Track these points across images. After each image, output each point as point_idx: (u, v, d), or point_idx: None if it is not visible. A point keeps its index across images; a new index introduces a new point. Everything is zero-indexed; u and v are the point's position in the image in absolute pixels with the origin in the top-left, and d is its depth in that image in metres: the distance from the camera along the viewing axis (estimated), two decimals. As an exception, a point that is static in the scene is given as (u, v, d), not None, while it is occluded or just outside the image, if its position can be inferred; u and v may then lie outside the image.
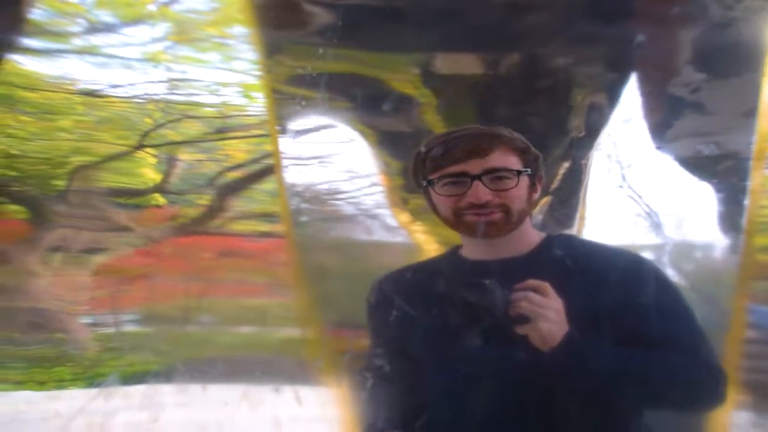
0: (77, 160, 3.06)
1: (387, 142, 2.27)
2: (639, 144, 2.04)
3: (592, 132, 2.11)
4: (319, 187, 2.37)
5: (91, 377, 2.93)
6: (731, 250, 2.10)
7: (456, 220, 1.14)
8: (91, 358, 2.98)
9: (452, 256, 1.23)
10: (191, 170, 3.51)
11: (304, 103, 2.22)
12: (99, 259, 3.11)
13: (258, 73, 2.36)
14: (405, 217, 2.30)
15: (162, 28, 2.92)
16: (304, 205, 2.40)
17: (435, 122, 2.15)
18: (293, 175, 2.32)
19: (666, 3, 1.92)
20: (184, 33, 2.96)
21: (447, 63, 2.16)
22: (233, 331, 3.22)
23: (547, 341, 1.00)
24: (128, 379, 2.80)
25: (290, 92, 2.23)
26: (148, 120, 3.23)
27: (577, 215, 2.22)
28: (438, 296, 1.11)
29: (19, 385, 2.83)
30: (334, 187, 2.39)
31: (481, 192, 1.10)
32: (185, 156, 3.36)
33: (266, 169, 3.25)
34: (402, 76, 2.12)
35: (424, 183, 1.17)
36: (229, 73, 3.08)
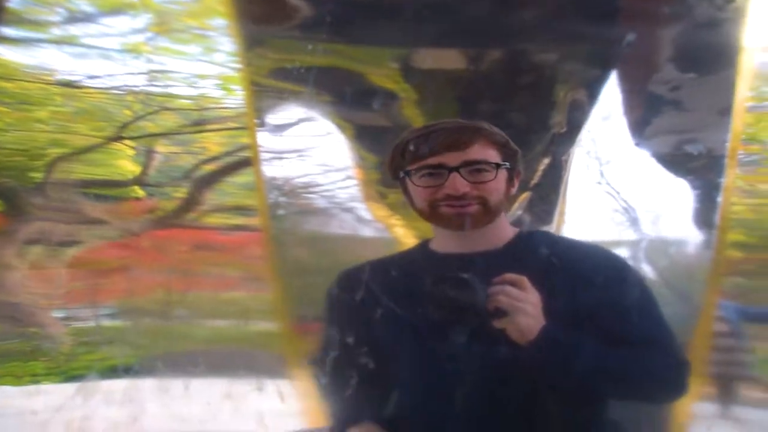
0: (54, 151, 3.02)
1: (366, 136, 2.26)
2: (618, 141, 2.07)
3: (573, 128, 2.12)
4: (297, 180, 2.37)
5: (65, 372, 2.91)
6: (705, 246, 2.15)
7: (431, 212, 1.14)
8: (66, 353, 2.94)
9: (422, 249, 1.23)
10: (169, 162, 3.48)
11: (283, 96, 2.21)
12: (75, 251, 3.07)
13: (237, 65, 2.34)
14: (382, 210, 2.31)
15: (143, 19, 2.89)
16: (282, 199, 2.39)
17: (415, 117, 2.15)
18: (271, 168, 2.32)
19: (648, 2, 1.95)
20: (165, 24, 2.94)
21: (428, 58, 2.15)
22: (211, 325, 3.20)
23: (524, 335, 1.01)
24: (105, 374, 2.79)
25: (270, 85, 2.22)
26: (126, 112, 3.19)
27: (557, 211, 2.25)
28: (409, 290, 1.12)
29: (-1, 379, 2.80)
30: (311, 180, 2.39)
31: (458, 183, 1.10)
32: (162, 148, 3.34)
33: (242, 161, 3.23)
34: (383, 71, 2.12)
35: (401, 174, 1.18)
36: (209, 66, 3.07)
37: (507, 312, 1.01)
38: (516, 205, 2.31)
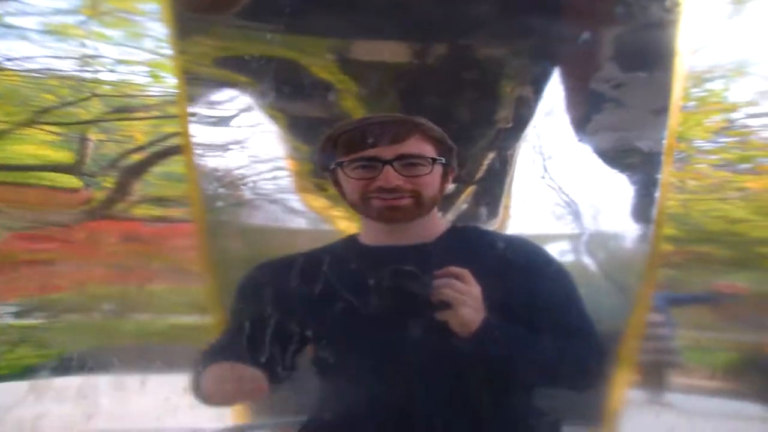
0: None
1: (302, 127, 2.23)
2: (561, 136, 2.11)
3: (519, 124, 2.16)
4: (233, 172, 2.32)
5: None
6: (642, 240, 2.23)
7: (363, 204, 1.15)
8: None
9: (351, 242, 1.24)
10: (97, 151, 3.34)
11: (217, 85, 2.15)
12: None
13: (170, 53, 2.26)
14: (319, 202, 2.29)
15: (71, 0, 2.75)
16: (221, 190, 2.34)
17: (353, 109, 2.14)
18: (206, 159, 2.26)
19: (593, 1, 1.99)
20: (95, 7, 2.80)
21: (368, 49, 2.14)
22: (135, 319, 3.10)
23: (466, 327, 1.03)
24: (20, 373, 2.66)
25: (203, 74, 2.15)
26: (48, 96, 3.03)
27: (502, 204, 2.28)
28: (341, 281, 1.12)
29: None
30: (247, 172, 2.34)
31: (391, 176, 1.11)
32: (93, 136, 3.19)
33: (168, 151, 3.13)
34: (320, 62, 2.09)
35: (333, 165, 1.18)
36: (139, 52, 2.94)
37: (451, 304, 1.03)
38: (461, 198, 2.34)
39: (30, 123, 3.03)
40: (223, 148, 2.30)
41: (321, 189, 2.26)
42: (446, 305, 1.03)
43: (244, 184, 2.35)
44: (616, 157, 2.16)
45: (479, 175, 2.28)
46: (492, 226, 2.34)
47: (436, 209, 1.21)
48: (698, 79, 2.15)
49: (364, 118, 1.18)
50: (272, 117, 2.21)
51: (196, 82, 2.16)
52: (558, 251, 2.31)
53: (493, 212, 2.31)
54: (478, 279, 1.06)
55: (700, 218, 2.96)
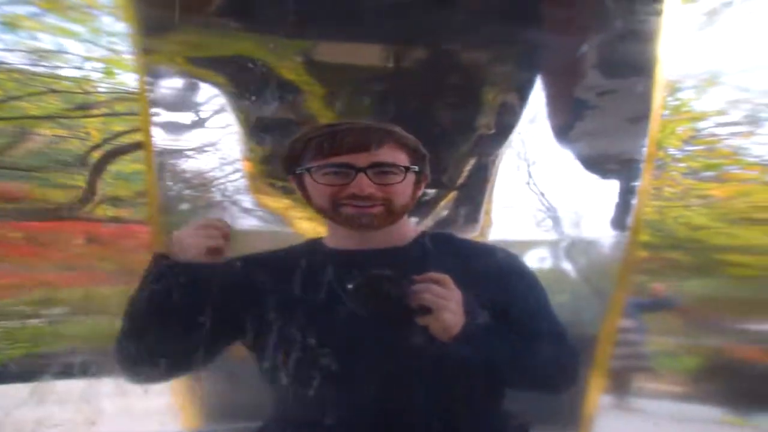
0: None
1: (267, 129, 2.17)
2: (545, 143, 2.12)
3: (503, 130, 2.16)
4: (198, 173, 2.27)
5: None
6: (620, 247, 2.26)
7: (333, 210, 1.13)
8: None
9: (317, 245, 1.22)
10: (51, 146, 3.19)
11: (183, 85, 2.11)
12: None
13: (132, 50, 2.18)
14: (281, 204, 2.24)
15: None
16: (188, 192, 2.27)
17: (320, 111, 2.11)
18: (171, 159, 2.19)
19: (574, 11, 2.01)
20: (54, 1, 2.66)
21: (339, 52, 2.10)
22: (84, 322, 2.98)
23: (447, 331, 1.03)
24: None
25: (169, 73, 2.11)
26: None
27: (483, 210, 2.28)
28: (309, 284, 1.11)
29: None
30: (211, 174, 2.29)
31: (365, 184, 1.10)
32: (48, 131, 3.04)
33: (123, 149, 3.02)
34: (289, 63, 2.05)
35: (300, 170, 1.16)
36: (98, 48, 2.82)
37: (431, 309, 1.02)
38: (442, 204, 2.33)
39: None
40: (188, 149, 2.25)
41: (284, 192, 2.22)
42: (426, 310, 1.02)
43: (211, 187, 2.29)
44: (597, 164, 2.18)
45: (460, 180, 2.27)
46: (473, 231, 2.34)
47: (406, 215, 1.20)
48: (671, 88, 2.20)
49: (334, 124, 1.16)
50: (240, 118, 2.16)
51: (160, 81, 2.11)
52: (538, 257, 2.33)
53: (473, 218, 2.31)
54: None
55: (673, 225, 3.04)
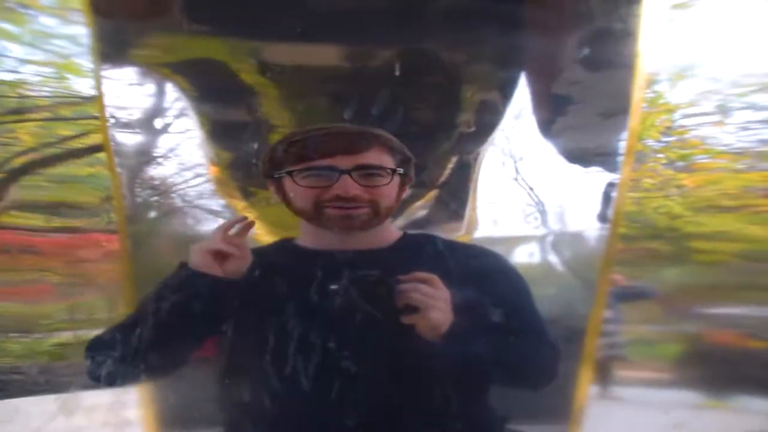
0: None
1: (226, 132, 2.16)
2: (529, 139, 2.14)
3: (484, 128, 2.17)
4: (158, 179, 2.23)
5: None
6: (604, 239, 2.29)
7: (315, 212, 1.14)
8: None
9: (288, 245, 1.24)
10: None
11: (140, 89, 2.06)
12: None
13: (88, 54, 2.13)
14: (244, 208, 2.22)
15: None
16: (154, 199, 2.24)
17: (276, 113, 2.08)
18: (130, 165, 2.15)
19: (555, 7, 2.02)
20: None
21: (293, 53, 2.07)
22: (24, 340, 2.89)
23: (435, 330, 1.05)
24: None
25: (128, 77, 2.07)
26: None
27: (468, 207, 2.28)
28: (284, 286, 1.11)
29: None
30: (172, 180, 2.25)
31: (349, 186, 1.11)
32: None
33: (63, 155, 2.95)
34: (245, 66, 2.03)
35: (281, 173, 1.16)
36: (44, 52, 2.74)
37: (418, 308, 1.04)
38: (421, 203, 2.33)
39: None
40: (149, 153, 2.21)
41: (246, 195, 2.20)
42: (413, 309, 1.03)
43: (173, 193, 2.26)
44: (580, 157, 2.20)
45: (442, 179, 2.28)
46: (458, 229, 2.34)
47: (390, 217, 1.22)
48: (649, 81, 2.24)
49: (319, 127, 1.17)
50: (200, 122, 2.13)
51: (118, 84, 2.06)
52: (526, 252, 2.35)
53: (458, 215, 2.31)
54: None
55: (652, 215, 3.11)
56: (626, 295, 3.22)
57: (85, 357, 1.15)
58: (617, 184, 2.21)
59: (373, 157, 1.15)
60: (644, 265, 3.19)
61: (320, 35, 1.95)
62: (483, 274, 1.19)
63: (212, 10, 1.90)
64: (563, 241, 2.31)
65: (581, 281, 2.29)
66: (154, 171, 2.20)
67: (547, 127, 2.16)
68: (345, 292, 1.05)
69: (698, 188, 3.18)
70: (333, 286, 1.07)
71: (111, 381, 1.13)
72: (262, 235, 2.14)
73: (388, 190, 1.16)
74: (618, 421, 2.64)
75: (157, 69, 2.02)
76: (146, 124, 2.14)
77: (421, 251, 1.23)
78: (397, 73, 1.97)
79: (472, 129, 2.19)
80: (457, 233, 2.30)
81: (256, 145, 1.99)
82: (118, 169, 2.10)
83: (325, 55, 2.05)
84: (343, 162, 1.12)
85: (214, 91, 2.07)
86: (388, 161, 1.16)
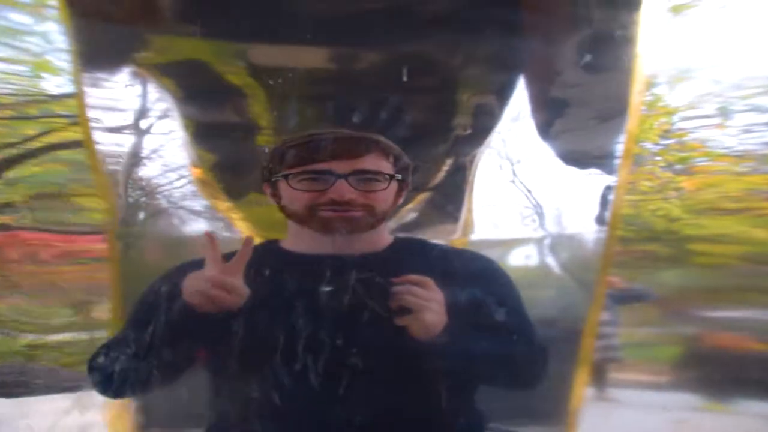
0: None
1: (213, 133, 2.17)
2: (527, 141, 2.14)
3: (481, 131, 2.17)
4: (142, 179, 2.23)
5: None
6: (601, 241, 2.29)
7: (308, 215, 1.15)
8: None
9: (276, 248, 1.24)
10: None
11: (125, 87, 2.05)
12: None
13: (65, 52, 2.12)
14: (231, 211, 2.23)
15: None
16: (144, 200, 2.24)
17: (264, 115, 2.09)
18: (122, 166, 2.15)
19: (551, 8, 2.02)
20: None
21: (280, 55, 2.07)
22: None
23: (429, 331, 1.06)
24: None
25: (113, 78, 2.06)
26: None
27: (463, 210, 2.29)
28: (272, 287, 1.12)
29: None
30: (153, 181, 2.25)
31: (345, 190, 1.12)
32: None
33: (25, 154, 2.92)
34: (231, 68, 2.02)
35: (278, 177, 1.17)
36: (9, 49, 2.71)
37: (412, 310, 1.05)
38: (419, 204, 2.33)
39: None
40: (131, 154, 2.19)
41: (230, 196, 2.22)
42: (406, 311, 1.05)
43: (159, 194, 2.26)
44: (577, 160, 2.21)
45: (437, 181, 2.28)
46: (453, 232, 2.35)
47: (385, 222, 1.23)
48: (647, 84, 2.24)
49: (317, 132, 1.18)
50: (185, 124, 2.13)
51: (98, 84, 2.05)
52: (523, 254, 2.36)
53: (453, 218, 2.32)
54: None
55: (649, 218, 3.10)
56: (623, 298, 3.23)
57: (89, 369, 1.17)
58: (615, 187, 2.22)
59: (370, 162, 1.16)
60: (642, 267, 3.19)
61: (313, 37, 1.93)
62: (473, 277, 1.21)
63: (198, 11, 1.89)
64: (561, 243, 2.32)
65: (578, 283, 2.30)
66: (137, 172, 2.20)
67: (544, 129, 2.17)
68: (337, 294, 1.06)
69: (698, 191, 3.18)
70: (325, 289, 1.08)
71: (120, 394, 1.19)
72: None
73: (385, 195, 1.17)
74: (614, 423, 2.65)
75: (140, 69, 2.01)
76: (128, 125, 2.14)
77: (413, 255, 1.25)
78: (405, 78, 1.97)
79: (468, 132, 2.20)
80: (453, 236, 2.31)
81: (242, 148, 2.01)
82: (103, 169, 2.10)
83: (316, 57, 2.04)
84: (340, 167, 1.13)
85: (199, 92, 2.07)
86: (386, 167, 1.18)
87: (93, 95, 2.02)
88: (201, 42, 1.95)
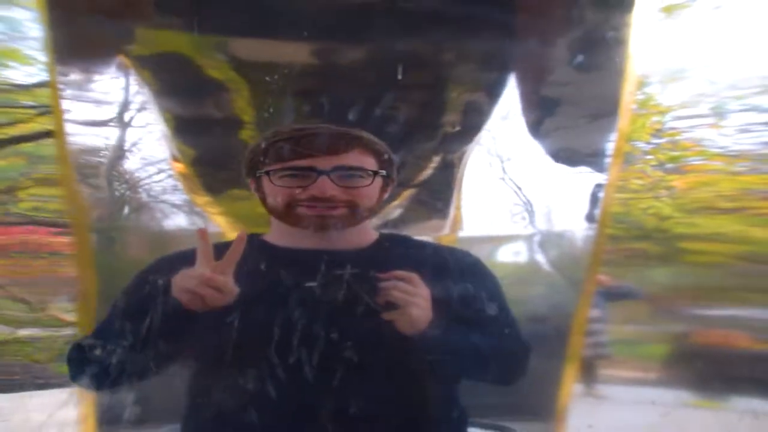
0: None
1: (193, 127, 2.15)
2: (516, 139, 2.14)
3: (470, 128, 2.17)
4: (119, 174, 2.23)
5: None
6: (590, 239, 2.30)
7: (287, 211, 1.14)
8: None
9: (259, 242, 1.22)
10: None
11: (100, 81, 2.04)
12: None
13: (38, 43, 2.09)
14: (212, 205, 2.23)
15: None
16: (128, 194, 2.24)
17: (247, 110, 2.07)
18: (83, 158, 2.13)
19: (543, 8, 2.02)
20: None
21: (265, 49, 2.05)
22: None
23: (415, 326, 1.06)
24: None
25: (91, 69, 2.03)
26: None
27: (452, 207, 2.29)
28: (259, 281, 1.10)
29: None
30: (132, 175, 2.26)
31: (327, 187, 1.11)
32: None
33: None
34: (211, 61, 1.99)
35: (261, 173, 1.16)
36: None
37: (398, 305, 1.06)
38: (407, 200, 2.34)
39: None
40: (106, 148, 2.18)
41: (210, 191, 2.22)
42: (392, 306, 1.05)
43: (136, 187, 2.27)
44: (568, 158, 2.21)
45: (424, 178, 2.28)
46: (441, 228, 2.35)
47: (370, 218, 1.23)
48: (639, 83, 2.25)
49: (301, 128, 1.16)
50: (162, 117, 2.11)
51: (72, 75, 2.02)
52: (513, 251, 2.37)
53: (442, 214, 2.32)
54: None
55: (640, 216, 3.12)
56: (611, 295, 3.25)
57: (67, 361, 1.15)
58: (605, 185, 2.23)
59: (353, 158, 1.14)
60: (631, 265, 3.21)
61: (300, 33, 1.90)
62: (456, 273, 1.20)
63: (178, 4, 1.87)
64: (550, 241, 2.33)
65: (568, 281, 2.31)
66: (114, 165, 2.19)
67: (535, 127, 2.17)
68: (322, 289, 1.06)
69: (690, 190, 3.19)
70: (310, 284, 1.07)
71: (98, 384, 1.14)
72: (228, 231, 2.16)
73: (369, 191, 1.16)
74: (602, 419, 2.67)
75: (119, 62, 1.98)
76: (106, 117, 2.11)
77: (399, 251, 1.24)
78: (400, 77, 1.96)
79: (458, 129, 2.20)
80: (441, 232, 2.31)
81: (223, 143, 1.99)
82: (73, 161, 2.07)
83: (303, 52, 2.00)
84: (323, 163, 1.12)
85: (178, 85, 2.04)
86: (369, 163, 1.16)
87: (67, 86, 1.99)
88: (181, 34, 1.93)
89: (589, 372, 3.25)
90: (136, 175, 2.22)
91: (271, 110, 2.00)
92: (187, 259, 1.09)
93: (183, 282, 1.05)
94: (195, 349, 1.12)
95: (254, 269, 1.11)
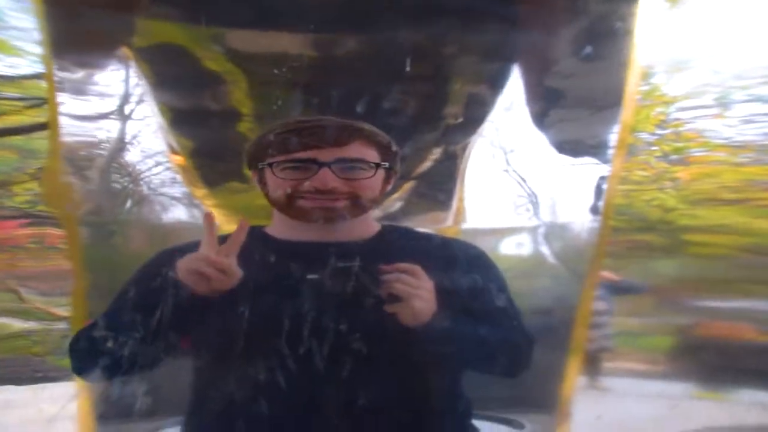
0: None
1: (192, 119, 2.14)
2: (521, 130, 2.13)
3: (473, 120, 2.16)
4: (115, 167, 2.21)
5: None
6: (594, 231, 2.30)
7: (288, 203, 1.13)
8: None
9: (261, 234, 1.21)
10: None
11: (98, 73, 2.05)
12: None
13: (27, 33, 2.07)
14: (211, 197, 2.23)
15: None
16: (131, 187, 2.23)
17: (244, 102, 2.07)
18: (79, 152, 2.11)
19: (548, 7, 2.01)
20: None
21: (263, 41, 2.03)
22: None
23: (418, 318, 1.05)
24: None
25: (88, 62, 2.02)
26: None
27: (455, 198, 2.29)
28: (263, 273, 1.10)
29: None
30: (129, 168, 2.24)
31: (328, 178, 1.10)
32: None
33: None
34: (209, 53, 1.97)
35: (263, 165, 1.15)
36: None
37: (401, 297, 1.04)
38: (409, 192, 2.33)
39: None
40: (101, 141, 2.16)
41: (208, 183, 2.21)
42: (395, 298, 1.04)
43: (134, 180, 2.25)
44: (572, 150, 2.20)
45: (426, 170, 2.27)
46: (444, 220, 2.35)
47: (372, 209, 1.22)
48: (644, 73, 2.23)
49: (303, 120, 1.15)
50: (160, 109, 2.11)
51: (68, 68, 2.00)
52: (516, 243, 2.36)
53: (445, 206, 2.32)
54: None
55: (644, 208, 3.11)
56: (616, 290, 3.24)
57: (70, 352, 1.15)
58: (609, 177, 2.22)
59: (355, 150, 1.13)
60: (635, 257, 3.20)
61: (302, 23, 1.90)
62: (460, 265, 1.19)
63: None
64: (554, 233, 2.31)
65: (572, 272, 2.30)
66: (112, 158, 2.18)
67: (539, 119, 2.15)
68: (326, 281, 1.05)
69: (694, 181, 3.18)
70: (312, 276, 1.07)
71: (104, 376, 1.13)
72: (225, 224, 2.15)
73: (371, 183, 1.15)
74: (606, 411, 2.67)
75: (116, 54, 1.97)
76: (104, 110, 2.12)
77: (401, 243, 1.23)
78: (408, 68, 1.94)
79: (460, 120, 2.19)
80: (444, 224, 2.31)
81: (222, 135, 1.98)
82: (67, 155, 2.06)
83: (303, 44, 2.00)
84: (324, 155, 1.11)
85: (176, 77, 2.03)
86: (371, 155, 1.15)
87: (62, 78, 1.97)
88: (177, 26, 1.92)
89: (593, 364, 3.24)
90: (135, 167, 2.20)
91: (279, 102, 1.97)
92: (190, 250, 1.09)
93: (188, 263, 1.04)
94: (202, 341, 1.12)
95: (255, 260, 1.10)
